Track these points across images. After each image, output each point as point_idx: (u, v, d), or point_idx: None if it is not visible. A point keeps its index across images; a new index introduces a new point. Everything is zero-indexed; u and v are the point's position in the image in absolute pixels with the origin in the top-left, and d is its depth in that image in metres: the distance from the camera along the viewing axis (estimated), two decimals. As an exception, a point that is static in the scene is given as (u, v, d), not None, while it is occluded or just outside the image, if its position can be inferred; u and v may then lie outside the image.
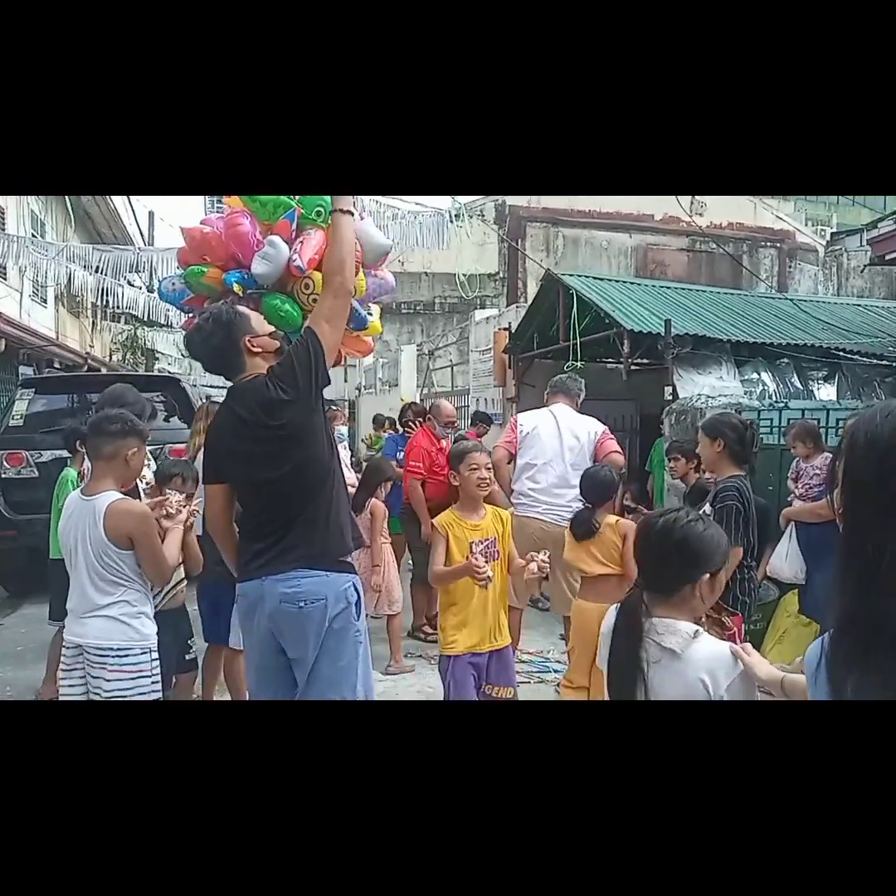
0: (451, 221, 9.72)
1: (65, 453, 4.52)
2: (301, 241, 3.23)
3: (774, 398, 5.63)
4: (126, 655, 2.51)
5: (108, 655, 2.50)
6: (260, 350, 2.29)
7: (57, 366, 10.46)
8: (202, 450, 2.89)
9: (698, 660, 1.51)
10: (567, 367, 6.32)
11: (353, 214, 2.35)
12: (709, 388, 5.56)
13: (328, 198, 3.00)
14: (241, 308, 2.37)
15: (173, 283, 3.95)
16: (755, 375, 5.90)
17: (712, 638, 1.62)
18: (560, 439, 4.45)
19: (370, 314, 3.96)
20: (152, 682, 2.56)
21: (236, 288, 3.35)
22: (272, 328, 2.42)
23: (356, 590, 2.31)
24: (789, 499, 4.37)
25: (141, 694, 2.52)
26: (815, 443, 4.21)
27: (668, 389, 5.62)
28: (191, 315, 3.75)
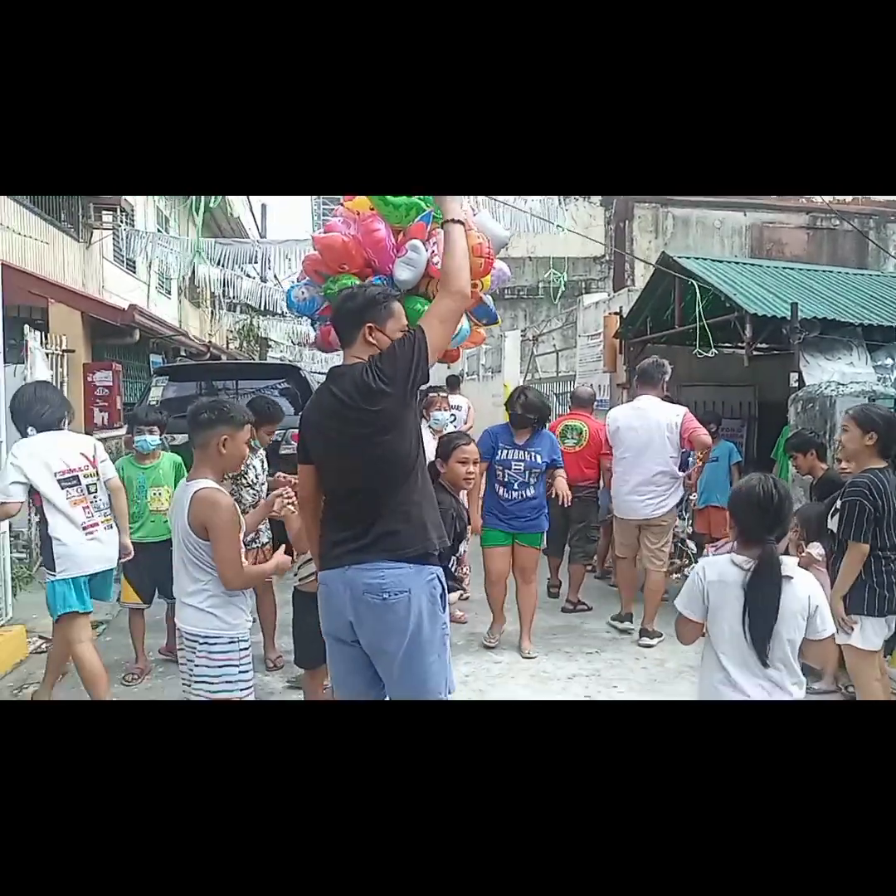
0: (560, 204, 9.63)
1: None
2: (436, 243, 3.27)
3: (912, 385, 5.30)
4: (214, 643, 2.56)
5: (196, 641, 2.57)
6: (374, 343, 2.32)
7: (183, 354, 11.07)
8: None
9: (802, 584, 2.21)
10: (696, 355, 6.17)
11: (463, 223, 2.43)
12: (838, 374, 5.28)
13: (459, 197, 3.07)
14: (395, 304, 2.39)
15: (303, 292, 4.01)
16: (889, 361, 5.55)
17: (805, 571, 2.34)
18: (642, 432, 4.99)
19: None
20: (241, 672, 2.60)
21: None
22: (403, 333, 2.40)
23: (441, 582, 2.32)
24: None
25: (229, 682, 2.57)
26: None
27: (794, 376, 5.38)
28: (324, 322, 3.82)
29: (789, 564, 2.22)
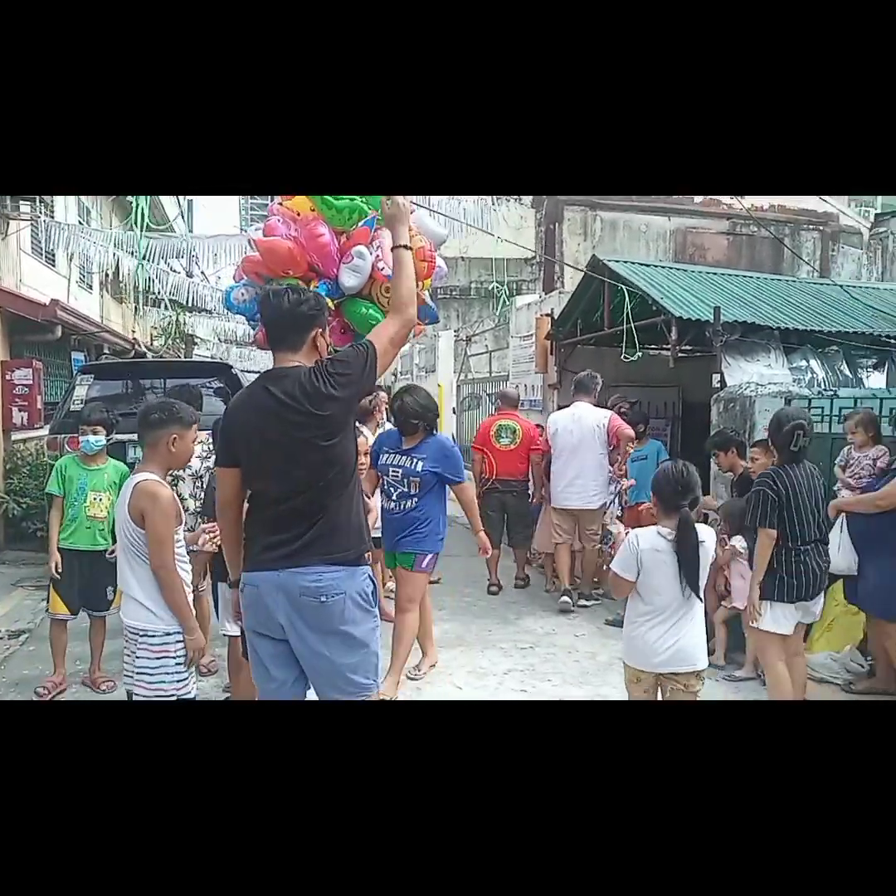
0: (491, 205, 9.73)
1: (122, 437, 4.68)
2: (379, 247, 3.29)
3: (824, 386, 5.60)
4: (152, 636, 2.69)
5: (137, 634, 2.71)
6: (318, 349, 2.36)
7: (107, 351, 10.69)
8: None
9: (709, 539, 2.92)
10: (624, 359, 6.46)
11: (412, 249, 2.52)
12: (758, 375, 5.54)
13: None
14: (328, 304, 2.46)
15: (243, 294, 3.95)
16: (804, 363, 5.85)
17: (706, 527, 3.08)
18: (576, 434, 5.76)
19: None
20: (177, 664, 2.70)
21: (328, 302, 3.47)
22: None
23: (372, 580, 2.39)
24: (836, 487, 4.37)
25: (167, 674, 2.68)
26: (874, 432, 4.22)
27: (716, 377, 5.61)
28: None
29: (700, 528, 2.91)
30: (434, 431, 4.20)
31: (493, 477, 6.22)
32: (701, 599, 2.86)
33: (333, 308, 3.48)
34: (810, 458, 3.98)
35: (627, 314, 6.14)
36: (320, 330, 2.36)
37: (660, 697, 2.90)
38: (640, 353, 6.33)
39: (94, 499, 4.10)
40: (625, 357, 6.38)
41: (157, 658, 2.68)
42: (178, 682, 2.70)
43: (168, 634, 2.69)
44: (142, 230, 7.84)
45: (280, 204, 3.87)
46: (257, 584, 2.32)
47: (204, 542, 3.11)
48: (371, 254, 3.57)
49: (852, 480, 4.29)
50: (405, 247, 2.44)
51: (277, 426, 2.27)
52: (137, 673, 2.70)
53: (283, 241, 3.72)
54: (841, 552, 4.07)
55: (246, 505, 2.43)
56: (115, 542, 3.15)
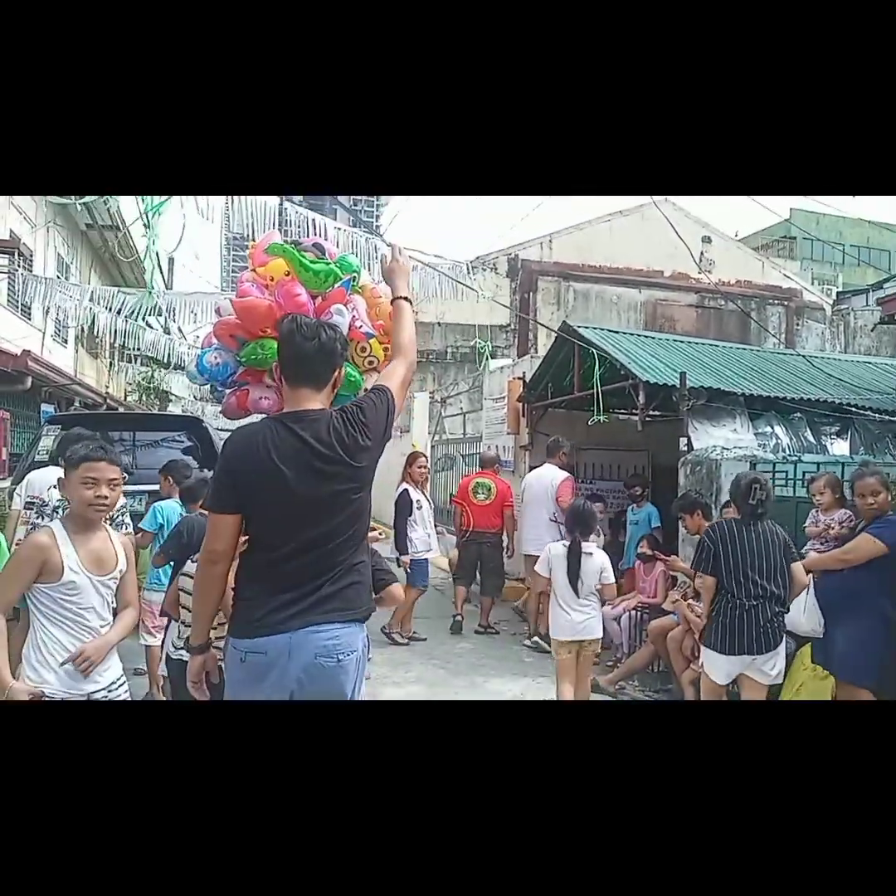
0: (468, 273, 9.98)
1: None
2: (354, 308, 3.39)
3: (788, 451, 5.70)
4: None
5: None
6: (334, 389, 2.27)
7: (77, 404, 10.62)
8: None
9: (597, 556, 4.25)
10: (590, 423, 6.76)
11: (411, 301, 2.61)
12: (723, 440, 5.62)
13: (356, 264, 3.27)
14: None
15: (216, 357, 3.97)
16: (768, 429, 5.96)
17: (599, 550, 4.41)
18: (534, 490, 6.59)
19: None
20: None
21: None
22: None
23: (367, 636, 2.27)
24: (804, 550, 4.39)
25: None
26: (839, 495, 4.28)
27: (683, 441, 5.69)
28: (235, 389, 3.81)
29: (589, 546, 4.26)
30: None
31: (471, 529, 6.96)
32: (579, 596, 4.17)
33: None
34: (775, 521, 4.04)
35: (596, 379, 6.26)
36: (339, 368, 2.27)
37: None
38: (606, 417, 6.49)
39: None
40: (591, 421, 6.56)
41: None
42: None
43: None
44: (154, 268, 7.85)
45: (252, 271, 3.93)
46: (265, 651, 2.05)
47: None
48: (348, 312, 3.65)
49: (820, 544, 4.31)
50: (405, 298, 2.54)
51: (308, 474, 2.07)
52: None
53: (262, 300, 3.77)
54: (806, 614, 4.05)
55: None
56: None
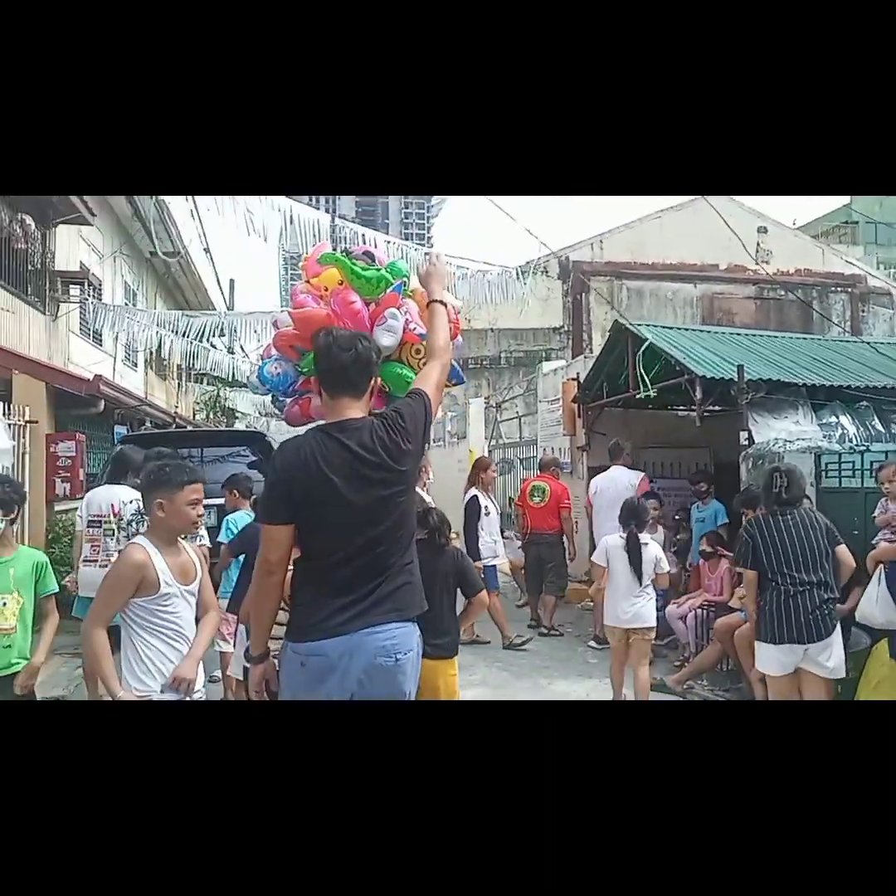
0: (518, 278, 10.01)
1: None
2: (407, 311, 3.51)
3: (855, 441, 5.54)
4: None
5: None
6: (373, 396, 2.37)
7: (148, 424, 11.07)
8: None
9: (651, 546, 4.55)
10: (637, 396, 6.90)
11: (446, 304, 2.66)
12: (786, 432, 5.51)
13: (406, 269, 3.37)
14: None
15: (277, 367, 4.14)
16: (833, 419, 5.81)
17: (654, 541, 4.78)
18: (611, 492, 6.39)
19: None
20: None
21: None
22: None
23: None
24: (875, 540, 4.28)
25: None
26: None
27: (744, 435, 5.60)
28: (296, 397, 3.97)
29: (644, 537, 4.54)
30: None
31: (529, 531, 7.10)
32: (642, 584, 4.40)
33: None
34: (845, 514, 3.96)
35: (639, 357, 6.31)
36: (378, 377, 2.40)
37: None
38: (653, 392, 6.50)
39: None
40: (639, 395, 6.66)
41: None
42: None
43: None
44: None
45: (307, 282, 4.09)
46: (327, 653, 2.10)
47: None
48: (402, 316, 3.78)
49: (892, 534, 4.19)
50: (440, 301, 2.61)
51: (356, 481, 2.14)
52: None
53: (319, 310, 3.91)
54: (880, 606, 3.93)
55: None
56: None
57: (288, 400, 4.71)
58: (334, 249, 4.67)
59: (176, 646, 2.57)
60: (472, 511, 6.54)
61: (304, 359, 4.01)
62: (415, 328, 3.48)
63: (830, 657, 3.62)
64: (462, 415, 12.71)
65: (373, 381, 2.34)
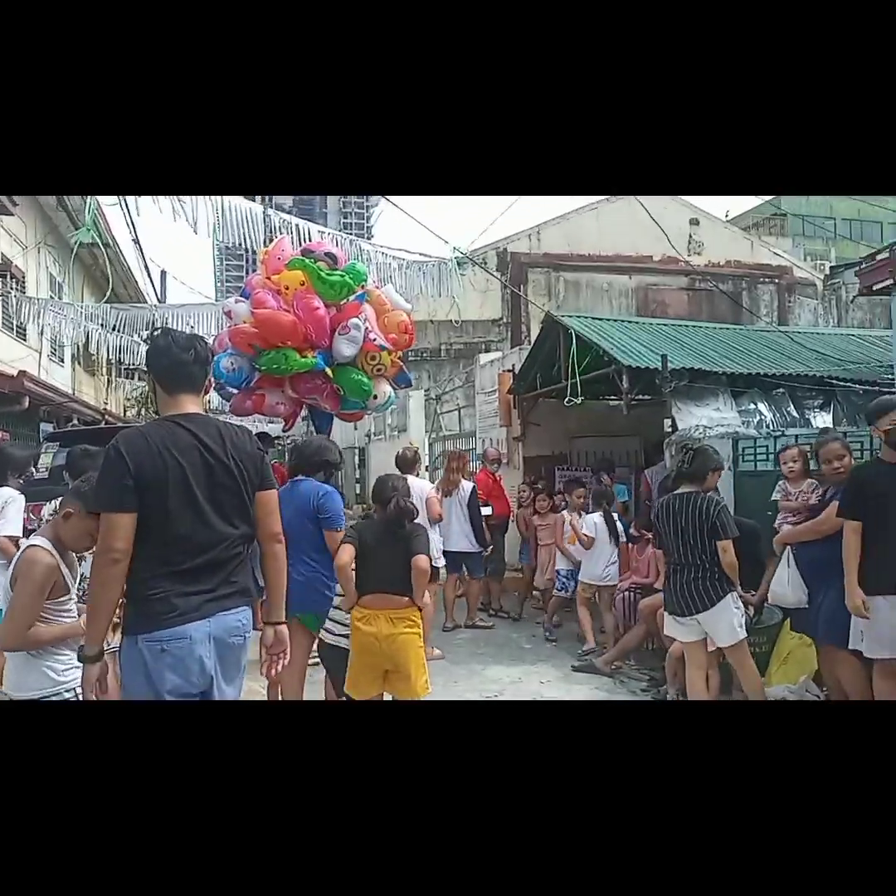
0: (455, 270, 10.04)
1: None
2: (366, 319, 3.57)
3: (772, 427, 5.77)
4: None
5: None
6: (207, 394, 2.55)
7: (76, 422, 10.75)
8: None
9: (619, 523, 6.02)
10: (567, 404, 6.70)
11: (285, 624, 2.54)
12: (707, 419, 5.71)
13: (364, 272, 3.44)
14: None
15: (233, 363, 4.12)
16: (752, 406, 6.04)
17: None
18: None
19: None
20: None
21: (328, 370, 3.79)
22: None
23: None
24: (776, 524, 4.43)
25: None
26: (805, 465, 4.34)
27: (668, 422, 5.77)
28: (250, 392, 3.99)
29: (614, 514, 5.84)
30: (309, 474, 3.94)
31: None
32: None
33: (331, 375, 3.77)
34: (759, 497, 4.07)
35: (572, 362, 6.38)
36: (211, 376, 2.62)
37: None
38: (580, 400, 6.58)
39: None
40: (567, 402, 6.69)
41: None
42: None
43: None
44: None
45: (267, 277, 4.11)
46: (190, 636, 2.17)
47: None
48: (363, 325, 3.88)
49: (792, 517, 4.34)
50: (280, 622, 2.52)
51: (204, 468, 2.24)
52: None
53: (284, 314, 3.94)
54: (791, 586, 4.09)
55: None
56: None
57: (236, 392, 4.68)
58: (268, 241, 4.73)
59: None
60: (474, 502, 6.52)
61: (262, 357, 4.03)
62: (375, 339, 3.60)
63: (711, 622, 3.90)
64: (402, 408, 12.72)
65: (208, 380, 2.54)
